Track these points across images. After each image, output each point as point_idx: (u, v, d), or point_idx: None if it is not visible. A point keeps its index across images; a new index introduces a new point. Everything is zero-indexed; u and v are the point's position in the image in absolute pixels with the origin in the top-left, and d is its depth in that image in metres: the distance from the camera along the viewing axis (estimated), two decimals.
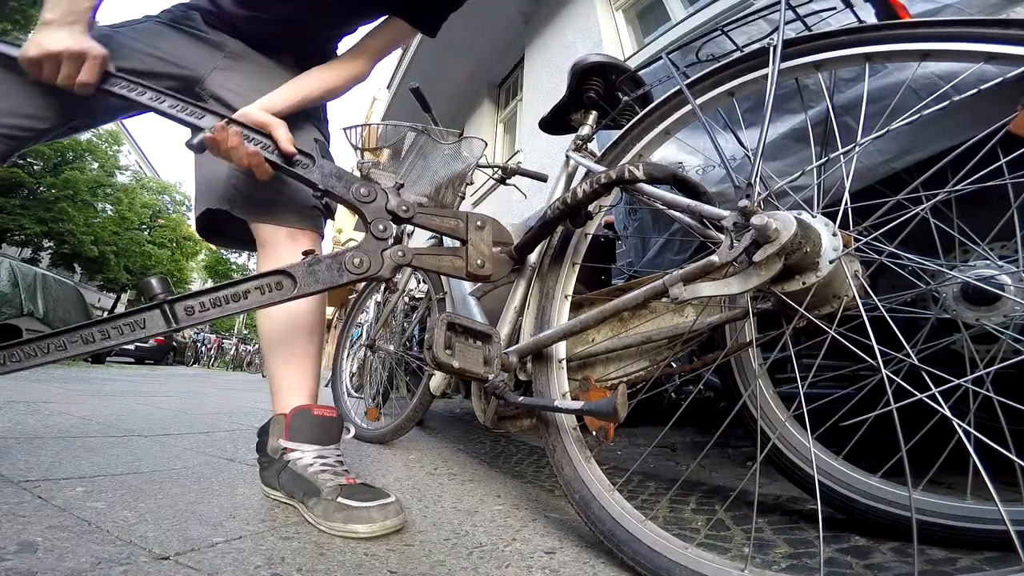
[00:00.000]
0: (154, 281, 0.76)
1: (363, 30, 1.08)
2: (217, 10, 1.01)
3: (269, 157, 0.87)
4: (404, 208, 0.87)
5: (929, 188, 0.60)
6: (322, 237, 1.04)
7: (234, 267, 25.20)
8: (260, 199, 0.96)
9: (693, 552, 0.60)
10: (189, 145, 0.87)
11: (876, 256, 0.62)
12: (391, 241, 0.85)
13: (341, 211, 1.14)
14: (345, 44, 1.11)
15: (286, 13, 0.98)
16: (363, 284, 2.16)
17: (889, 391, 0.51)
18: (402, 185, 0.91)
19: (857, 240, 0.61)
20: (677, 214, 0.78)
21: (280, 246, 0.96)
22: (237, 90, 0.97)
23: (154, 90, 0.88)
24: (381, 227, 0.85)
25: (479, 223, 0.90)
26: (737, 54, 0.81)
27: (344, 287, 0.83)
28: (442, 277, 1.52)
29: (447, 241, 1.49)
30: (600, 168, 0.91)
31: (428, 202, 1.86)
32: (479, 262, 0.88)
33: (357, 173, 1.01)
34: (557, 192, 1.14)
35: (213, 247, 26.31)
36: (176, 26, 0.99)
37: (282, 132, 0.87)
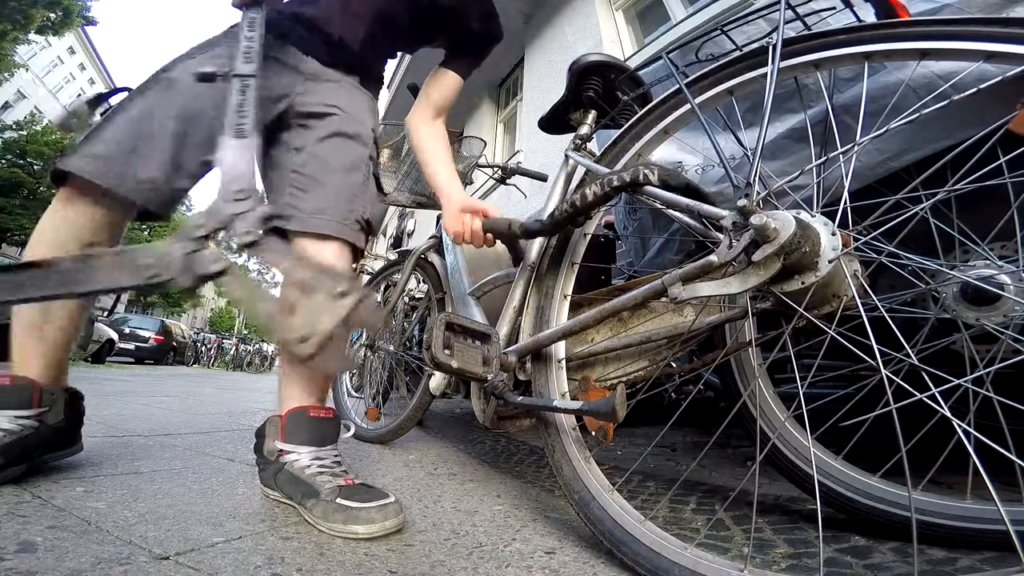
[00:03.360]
0: None
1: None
2: (295, 25, 1.03)
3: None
4: (246, 231, 0.72)
5: (929, 187, 0.60)
6: (355, 248, 1.01)
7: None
8: (307, 209, 0.97)
9: (692, 552, 0.60)
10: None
11: (876, 256, 0.62)
12: (206, 244, 0.72)
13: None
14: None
15: (364, 36, 1.06)
16: (363, 285, 2.16)
17: (889, 391, 0.51)
18: (275, 216, 0.79)
19: (856, 240, 0.61)
20: (676, 214, 0.78)
21: (307, 250, 0.96)
22: (319, 108, 1.02)
23: None
24: (195, 225, 0.73)
25: (339, 289, 0.71)
26: (736, 53, 0.81)
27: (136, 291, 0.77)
28: (442, 277, 1.52)
29: (448, 248, 1.49)
30: (602, 168, 0.91)
31: (427, 200, 1.86)
32: (296, 333, 0.69)
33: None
34: (557, 191, 1.14)
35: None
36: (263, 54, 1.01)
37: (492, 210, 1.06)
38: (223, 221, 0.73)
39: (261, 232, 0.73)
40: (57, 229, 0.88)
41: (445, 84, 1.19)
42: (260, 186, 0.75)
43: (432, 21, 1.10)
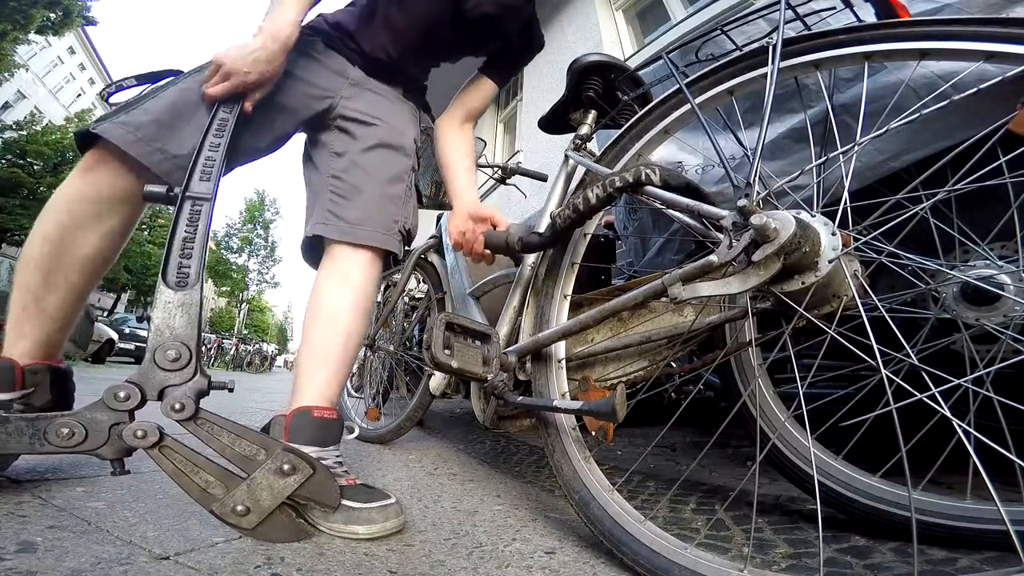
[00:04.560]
0: None
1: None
2: (340, 36, 1.05)
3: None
4: (178, 405, 0.66)
5: (929, 187, 0.60)
6: (390, 257, 1.03)
7: (234, 268, 25.19)
8: (348, 217, 0.98)
9: (692, 552, 0.60)
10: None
11: (876, 256, 0.61)
12: (129, 417, 0.66)
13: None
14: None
15: (404, 49, 1.06)
16: None
17: (889, 391, 0.51)
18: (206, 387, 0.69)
19: (856, 240, 0.61)
20: (677, 214, 0.78)
21: (342, 257, 0.98)
22: (362, 116, 1.03)
23: None
24: (123, 395, 0.64)
25: (284, 466, 0.68)
26: (736, 53, 0.81)
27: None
28: (442, 277, 1.52)
29: (450, 257, 1.49)
30: (602, 168, 0.91)
31: (428, 201, 1.85)
32: (235, 508, 0.66)
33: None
34: (557, 191, 1.14)
35: (213, 247, 26.37)
36: (306, 52, 1.02)
37: (499, 217, 1.06)
38: (153, 391, 0.66)
39: (195, 407, 0.67)
40: (72, 199, 0.84)
41: (482, 91, 1.20)
42: (194, 348, 0.68)
43: (475, 32, 1.09)
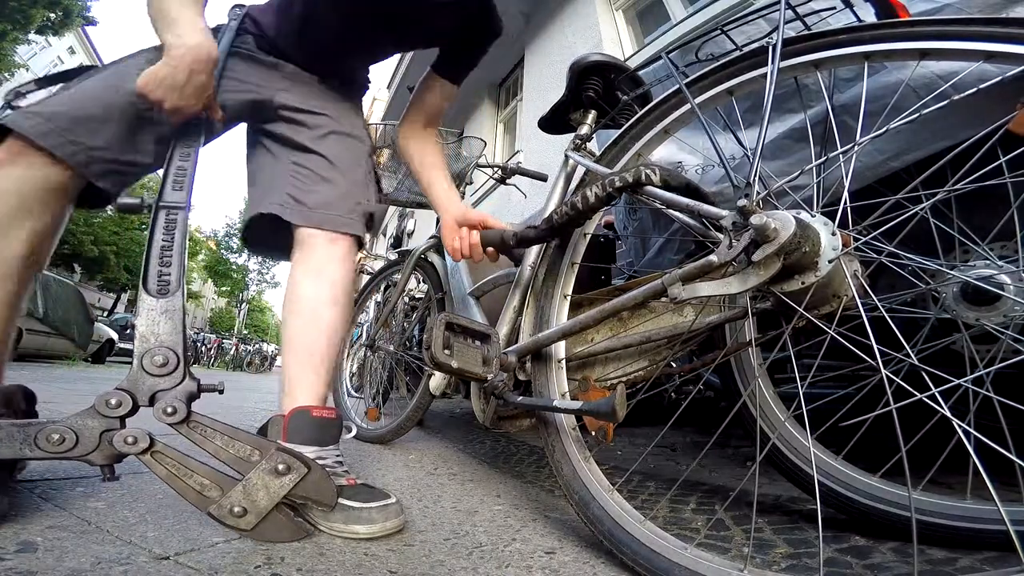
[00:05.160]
0: None
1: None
2: (266, 36, 1.03)
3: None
4: (169, 409, 0.66)
5: (928, 187, 0.60)
6: (362, 244, 1.04)
7: (233, 268, 25.20)
8: (311, 203, 0.98)
9: (692, 552, 0.60)
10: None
11: (875, 256, 0.61)
12: (120, 424, 0.66)
13: None
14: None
15: (331, 45, 1.02)
16: (363, 284, 2.16)
17: (889, 391, 0.51)
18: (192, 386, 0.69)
19: (856, 240, 0.61)
20: (677, 214, 0.78)
21: (317, 248, 0.97)
22: (307, 107, 1.02)
23: None
24: (114, 401, 0.64)
25: (279, 466, 0.68)
26: (736, 53, 0.81)
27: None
28: (442, 277, 1.52)
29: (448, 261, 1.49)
30: (602, 168, 0.91)
31: (427, 200, 1.85)
32: (232, 509, 0.66)
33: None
34: (556, 192, 1.14)
35: (213, 247, 26.37)
36: (236, 50, 1.00)
37: (490, 219, 1.05)
38: (144, 397, 0.66)
39: (187, 410, 0.67)
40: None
41: (437, 91, 1.13)
42: (181, 353, 0.68)
43: (416, 22, 1.02)
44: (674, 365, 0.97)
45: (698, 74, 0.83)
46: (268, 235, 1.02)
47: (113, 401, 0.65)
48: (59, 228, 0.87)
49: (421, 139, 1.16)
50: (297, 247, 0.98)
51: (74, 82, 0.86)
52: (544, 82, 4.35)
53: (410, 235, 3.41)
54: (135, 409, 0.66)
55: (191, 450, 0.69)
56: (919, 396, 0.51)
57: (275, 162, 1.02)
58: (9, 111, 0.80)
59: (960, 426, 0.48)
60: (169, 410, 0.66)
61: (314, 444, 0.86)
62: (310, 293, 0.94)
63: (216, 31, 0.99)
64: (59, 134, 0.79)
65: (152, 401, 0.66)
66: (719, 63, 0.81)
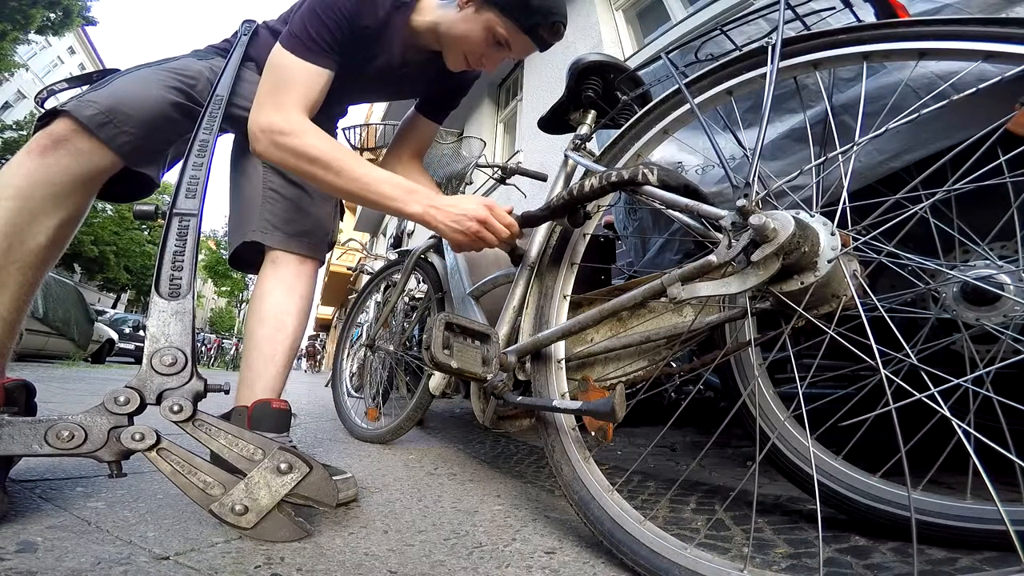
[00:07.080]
0: None
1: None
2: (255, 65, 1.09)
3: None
4: (176, 407, 0.67)
5: (928, 187, 0.60)
6: (321, 264, 1.16)
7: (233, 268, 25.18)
8: (288, 231, 1.09)
9: (692, 552, 0.60)
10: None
11: (875, 256, 0.61)
12: (128, 421, 0.67)
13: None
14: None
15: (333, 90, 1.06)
16: (363, 284, 2.17)
17: (888, 391, 0.51)
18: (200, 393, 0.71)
19: (856, 239, 0.61)
20: (676, 214, 0.78)
21: (289, 267, 1.09)
22: None
23: None
24: (122, 399, 0.66)
25: (281, 464, 0.69)
26: (736, 53, 0.81)
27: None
28: (441, 277, 1.52)
29: (449, 264, 1.49)
30: (600, 168, 0.91)
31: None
32: (234, 507, 0.67)
33: None
34: (556, 191, 1.13)
35: (213, 247, 26.38)
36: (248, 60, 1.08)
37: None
38: (152, 395, 0.68)
39: (193, 409, 0.68)
40: (33, 183, 0.80)
41: (421, 129, 1.24)
42: (189, 353, 0.70)
43: (419, 83, 1.14)
44: (674, 365, 0.97)
45: (697, 74, 0.83)
46: (244, 253, 1.12)
47: (122, 399, 0.66)
48: (81, 219, 0.92)
49: (406, 167, 1.24)
50: (269, 263, 1.08)
51: (104, 81, 0.92)
52: (544, 82, 4.35)
53: (410, 235, 3.41)
54: (143, 407, 0.68)
55: (194, 448, 0.69)
56: (919, 396, 0.51)
57: (251, 187, 1.10)
58: (45, 106, 0.86)
59: (960, 426, 0.48)
60: (175, 408, 0.67)
61: (274, 431, 0.92)
62: (280, 304, 1.05)
63: (228, 43, 1.09)
64: (114, 125, 0.85)
65: (159, 400, 0.68)
66: (718, 63, 0.81)
